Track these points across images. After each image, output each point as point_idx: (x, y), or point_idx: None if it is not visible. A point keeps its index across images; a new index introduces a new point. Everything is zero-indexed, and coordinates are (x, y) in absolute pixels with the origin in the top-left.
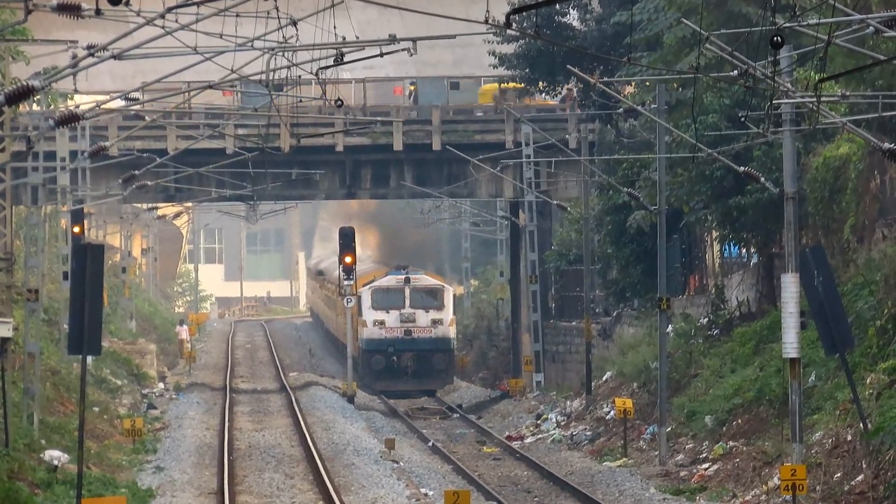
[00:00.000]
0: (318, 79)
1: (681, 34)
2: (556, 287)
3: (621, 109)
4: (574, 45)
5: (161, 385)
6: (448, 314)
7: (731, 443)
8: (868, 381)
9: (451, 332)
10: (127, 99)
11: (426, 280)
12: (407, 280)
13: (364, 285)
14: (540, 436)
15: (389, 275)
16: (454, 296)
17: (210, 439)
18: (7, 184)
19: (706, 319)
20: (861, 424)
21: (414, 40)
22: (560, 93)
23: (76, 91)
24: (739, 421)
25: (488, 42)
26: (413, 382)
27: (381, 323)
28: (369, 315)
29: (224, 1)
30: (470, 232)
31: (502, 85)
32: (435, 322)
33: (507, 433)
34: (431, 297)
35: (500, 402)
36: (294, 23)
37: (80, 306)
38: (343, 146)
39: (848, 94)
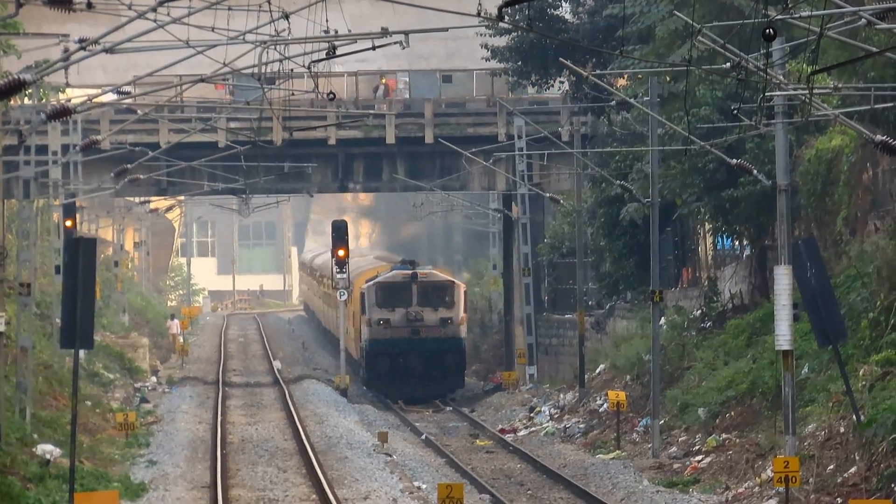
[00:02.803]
0: (311, 72)
1: (673, 27)
2: (548, 280)
3: (614, 102)
4: (566, 37)
5: (154, 379)
6: (459, 312)
7: (724, 435)
8: (861, 372)
9: (462, 331)
10: (119, 93)
11: (435, 275)
12: (414, 276)
13: (367, 281)
14: (533, 428)
15: (394, 270)
16: (465, 292)
17: (203, 433)
18: None
19: (699, 312)
20: (854, 416)
21: (406, 33)
22: (552, 85)
23: (68, 85)
24: (732, 413)
25: (481, 35)
26: (421, 386)
27: (387, 322)
28: (373, 313)
29: None
30: (463, 225)
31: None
32: (444, 321)
33: (500, 426)
34: (441, 294)
35: (493, 394)
36: (286, 16)
37: (73, 300)
38: (335, 139)
39: (840, 86)
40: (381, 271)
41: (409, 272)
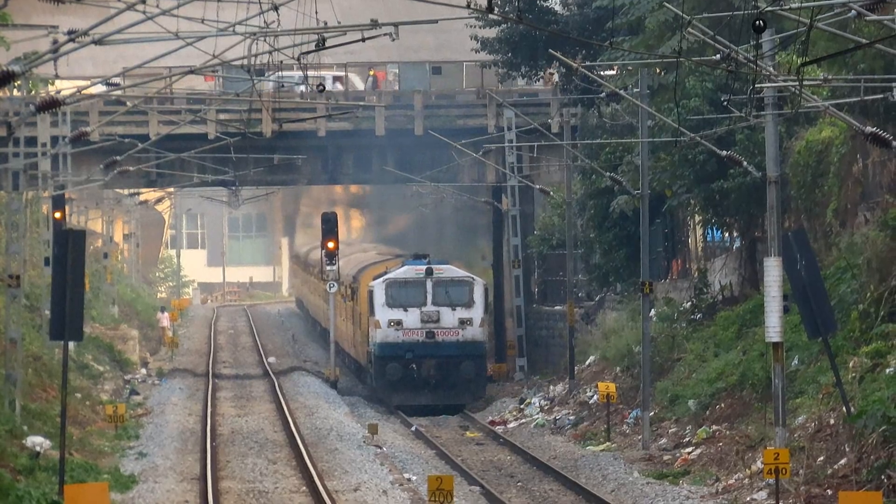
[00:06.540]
0: (300, 64)
1: (663, 18)
2: (538, 272)
3: (604, 94)
4: (556, 29)
5: (143, 371)
6: (479, 312)
7: (714, 427)
8: (851, 364)
9: (482, 334)
10: (108, 84)
11: (452, 271)
12: (429, 272)
13: (375, 278)
14: (523, 420)
15: (406, 265)
16: (485, 290)
17: (193, 425)
18: None
19: (689, 303)
20: (844, 408)
21: (396, 25)
22: (541, 77)
23: (57, 76)
24: (722, 405)
25: (470, 26)
26: (436, 395)
27: (398, 323)
28: (383, 314)
29: None
30: (453, 217)
31: None
32: (463, 322)
33: (490, 418)
34: (459, 293)
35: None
36: (275, 7)
37: (62, 292)
38: (325, 131)
39: (830, 77)
40: (391, 266)
41: (424, 267)
